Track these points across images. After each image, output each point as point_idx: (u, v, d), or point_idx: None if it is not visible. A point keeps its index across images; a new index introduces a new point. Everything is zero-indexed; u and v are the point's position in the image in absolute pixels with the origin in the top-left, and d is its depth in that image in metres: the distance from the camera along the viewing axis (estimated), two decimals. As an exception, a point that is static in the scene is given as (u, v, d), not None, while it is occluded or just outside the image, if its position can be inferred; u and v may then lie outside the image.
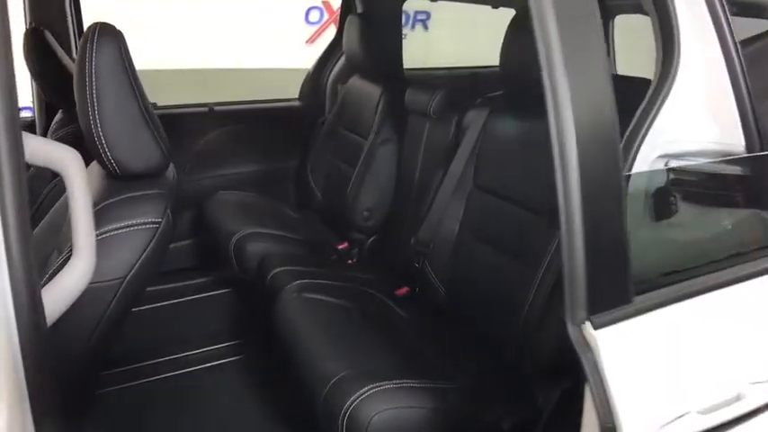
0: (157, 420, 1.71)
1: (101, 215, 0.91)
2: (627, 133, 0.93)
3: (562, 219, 0.78)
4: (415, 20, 4.27)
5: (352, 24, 2.13)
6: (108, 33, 0.94)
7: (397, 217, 2.01)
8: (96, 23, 0.96)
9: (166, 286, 2.29)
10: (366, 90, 2.19)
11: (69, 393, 0.90)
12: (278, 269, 1.76)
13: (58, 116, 1.69)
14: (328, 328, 1.42)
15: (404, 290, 1.78)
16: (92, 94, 0.92)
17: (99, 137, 0.93)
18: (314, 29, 4.66)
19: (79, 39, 2.12)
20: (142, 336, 2.05)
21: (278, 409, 1.73)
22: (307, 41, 4.67)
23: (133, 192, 0.96)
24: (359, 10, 2.35)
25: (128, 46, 0.99)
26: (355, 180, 2.09)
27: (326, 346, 1.33)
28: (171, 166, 1.19)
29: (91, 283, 0.85)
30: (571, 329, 0.81)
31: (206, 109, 2.44)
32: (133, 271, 0.90)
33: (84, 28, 2.22)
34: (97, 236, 0.88)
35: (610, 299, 0.83)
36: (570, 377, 1.33)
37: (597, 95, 0.79)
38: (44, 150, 0.72)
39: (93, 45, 0.92)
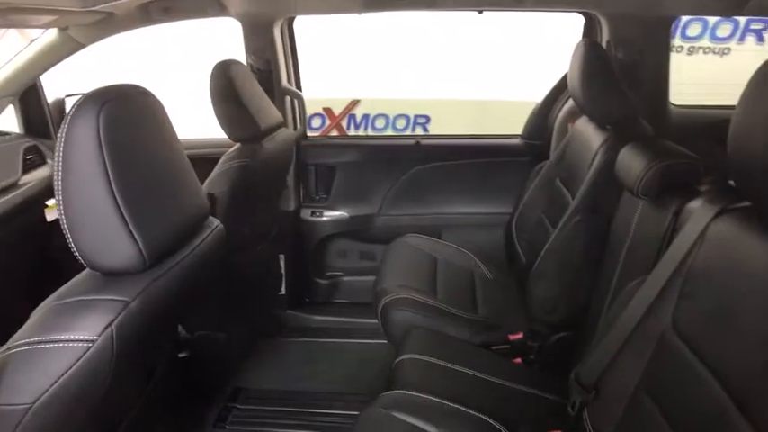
0: None
1: (41, 320, 0.79)
2: None
3: None
4: (747, 29, 3.22)
5: (578, 53, 1.59)
6: (89, 108, 0.79)
7: (588, 321, 1.45)
8: (85, 94, 0.82)
9: (342, 319, 2.21)
10: (587, 137, 1.64)
11: None
12: (407, 356, 1.44)
13: (235, 147, 1.68)
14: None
15: (557, 433, 1.26)
16: (58, 175, 0.79)
17: (63, 221, 0.81)
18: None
19: (293, 68, 2.13)
20: (290, 373, 1.97)
21: None
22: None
23: (87, 294, 0.81)
24: (605, 37, 1.78)
25: (115, 121, 0.81)
26: (546, 254, 1.59)
27: None
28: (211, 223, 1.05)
29: None
30: None
31: (413, 142, 2.22)
32: (42, 398, 0.73)
33: (299, 57, 2.24)
34: (13, 348, 0.76)
35: None
36: None
37: None
38: None
39: (66, 121, 0.79)
